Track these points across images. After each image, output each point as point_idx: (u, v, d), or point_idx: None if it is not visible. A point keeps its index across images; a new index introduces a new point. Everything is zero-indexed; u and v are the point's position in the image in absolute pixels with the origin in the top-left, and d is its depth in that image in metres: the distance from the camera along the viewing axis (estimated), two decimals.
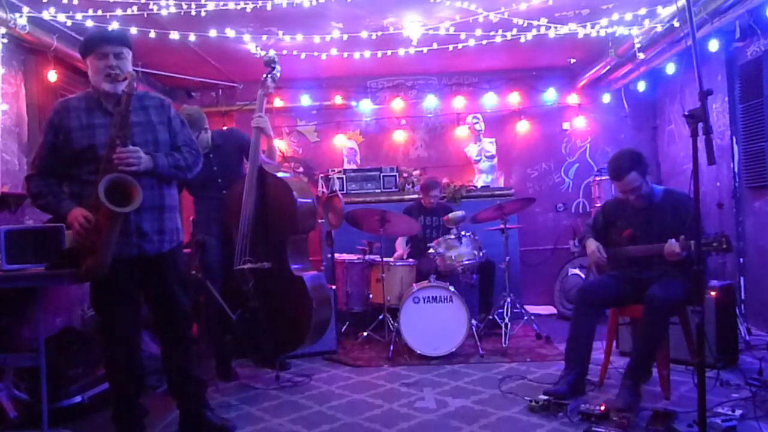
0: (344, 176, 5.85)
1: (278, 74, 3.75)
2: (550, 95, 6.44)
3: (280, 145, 6.41)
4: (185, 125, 2.79)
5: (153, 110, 2.63)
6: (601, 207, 3.66)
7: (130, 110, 2.42)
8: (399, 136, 6.56)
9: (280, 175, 3.67)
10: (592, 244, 3.44)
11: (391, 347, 4.27)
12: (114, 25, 4.13)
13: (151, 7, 3.90)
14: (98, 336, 2.70)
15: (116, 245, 2.41)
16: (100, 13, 4.01)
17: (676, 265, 3.11)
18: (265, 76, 3.71)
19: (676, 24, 4.30)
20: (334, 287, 4.64)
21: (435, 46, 4.97)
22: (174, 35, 4.35)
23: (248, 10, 4.08)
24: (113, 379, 2.70)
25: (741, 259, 4.79)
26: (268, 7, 4.04)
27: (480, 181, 6.07)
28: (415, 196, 5.65)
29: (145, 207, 2.47)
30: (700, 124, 2.19)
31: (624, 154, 3.27)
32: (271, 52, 3.79)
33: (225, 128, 4.82)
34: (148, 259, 2.60)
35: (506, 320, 4.52)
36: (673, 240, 3.02)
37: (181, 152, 2.66)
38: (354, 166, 6.15)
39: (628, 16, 4.51)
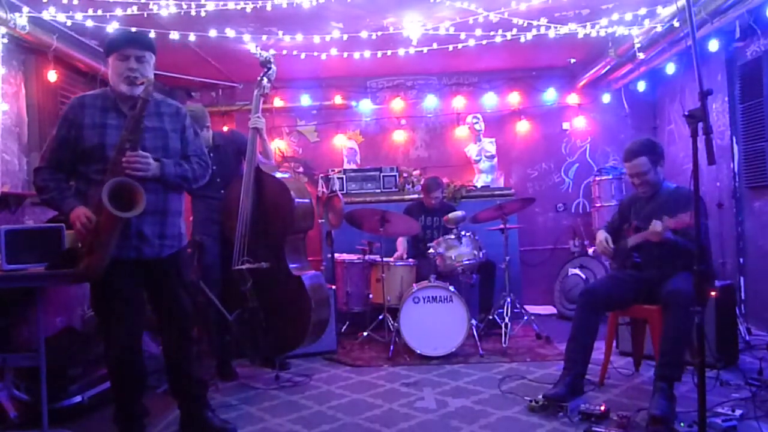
0: (344, 176, 5.85)
1: (274, 75, 3.77)
2: (550, 95, 6.44)
3: (280, 145, 6.42)
4: (198, 136, 2.81)
5: (167, 117, 2.64)
6: (618, 206, 3.70)
7: (144, 115, 2.43)
8: (399, 136, 6.56)
9: (277, 175, 3.68)
10: (600, 235, 3.51)
11: (391, 347, 4.26)
12: (114, 25, 4.13)
13: (151, 7, 3.91)
14: (99, 336, 2.69)
15: (116, 248, 2.41)
16: (100, 13, 4.02)
17: (679, 262, 3.10)
18: (260, 76, 3.73)
19: (676, 24, 4.30)
20: (334, 287, 4.64)
21: (435, 46, 4.97)
22: (174, 35, 4.35)
23: (248, 10, 4.09)
24: (114, 379, 2.69)
25: (741, 259, 4.79)
26: (268, 7, 4.04)
27: (480, 181, 6.07)
28: (415, 196, 5.65)
29: (148, 211, 2.45)
30: (700, 124, 2.19)
31: (641, 139, 3.37)
32: (270, 52, 3.79)
33: (226, 130, 4.82)
34: (147, 263, 2.59)
35: (506, 320, 4.52)
36: (657, 221, 3.01)
37: (190, 163, 2.68)
38: (354, 166, 6.15)
39: (628, 16, 4.51)
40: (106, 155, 2.44)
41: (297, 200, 3.58)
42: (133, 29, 3.44)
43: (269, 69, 3.73)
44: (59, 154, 2.52)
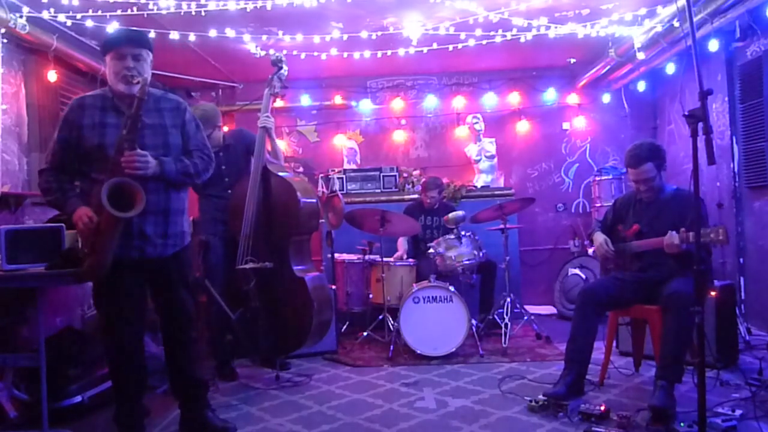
0: (344, 176, 5.85)
1: (285, 74, 3.75)
2: (550, 95, 6.44)
3: (281, 145, 6.40)
4: (200, 129, 2.77)
5: (167, 113, 2.62)
6: (612, 203, 3.67)
7: (142, 113, 2.41)
8: (399, 136, 6.56)
9: (283, 175, 3.66)
10: (599, 237, 3.44)
11: (391, 347, 4.26)
12: (114, 25, 4.13)
13: (150, 7, 3.91)
14: (100, 335, 2.70)
15: (118, 247, 2.41)
16: (100, 13, 4.02)
17: (681, 264, 3.10)
18: (271, 75, 3.72)
19: (676, 24, 4.30)
20: (334, 287, 4.64)
21: (435, 46, 4.98)
22: (174, 35, 4.35)
23: (248, 10, 4.09)
24: (115, 379, 2.70)
25: (741, 259, 4.79)
26: (268, 7, 4.04)
27: (480, 181, 6.07)
28: (415, 196, 5.65)
29: (150, 210, 2.46)
30: (700, 124, 2.19)
31: (644, 144, 3.30)
32: (271, 52, 3.79)
33: (226, 130, 4.81)
34: (150, 262, 2.59)
35: (506, 320, 4.52)
36: (674, 232, 3.01)
37: (192, 158, 2.65)
38: (354, 166, 6.15)
39: (628, 16, 4.51)
40: (106, 155, 2.43)
41: (303, 201, 3.57)
42: (133, 28, 3.43)
43: (280, 68, 3.71)
44: (61, 156, 2.52)
